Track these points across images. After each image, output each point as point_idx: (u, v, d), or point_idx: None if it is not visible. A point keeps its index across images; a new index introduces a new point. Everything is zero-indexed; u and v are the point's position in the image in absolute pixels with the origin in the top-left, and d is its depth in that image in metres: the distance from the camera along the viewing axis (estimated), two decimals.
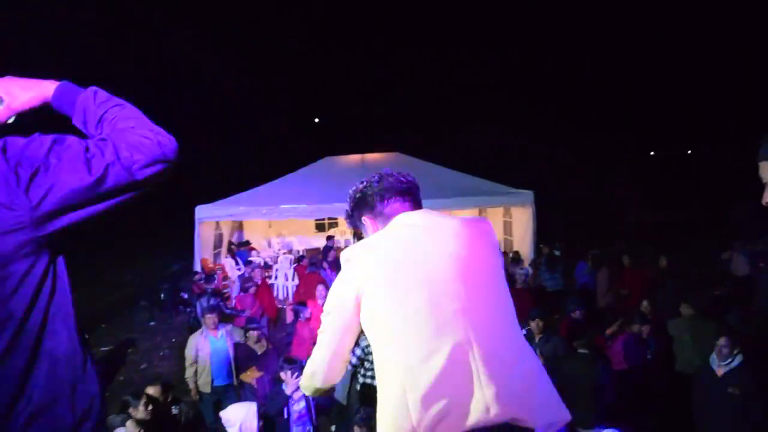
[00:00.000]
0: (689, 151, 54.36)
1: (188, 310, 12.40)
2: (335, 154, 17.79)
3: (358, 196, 2.17)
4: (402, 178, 2.14)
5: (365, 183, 2.16)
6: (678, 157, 51.48)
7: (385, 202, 2.09)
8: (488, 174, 15.25)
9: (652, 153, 56.24)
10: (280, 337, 9.89)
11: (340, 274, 1.92)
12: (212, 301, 9.01)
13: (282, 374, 5.78)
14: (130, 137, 1.44)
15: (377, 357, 1.80)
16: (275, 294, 13.49)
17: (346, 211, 2.23)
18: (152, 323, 12.49)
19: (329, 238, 15.42)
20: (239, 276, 12.59)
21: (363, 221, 2.17)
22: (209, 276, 11.81)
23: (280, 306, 12.19)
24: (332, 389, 2.01)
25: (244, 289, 10.13)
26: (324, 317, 1.93)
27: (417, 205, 2.13)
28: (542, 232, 13.74)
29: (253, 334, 7.14)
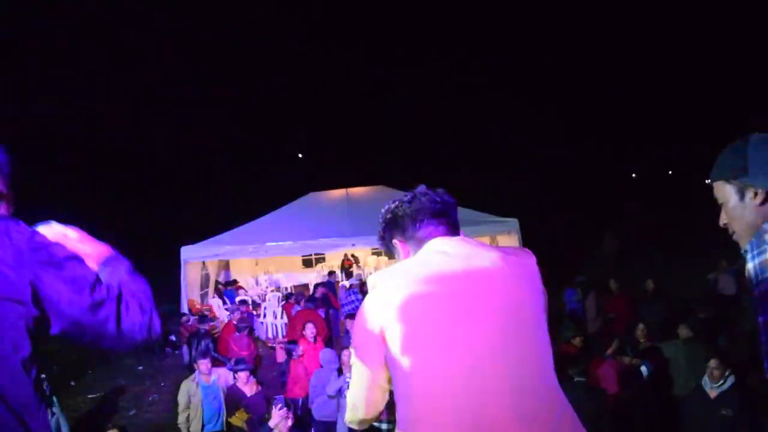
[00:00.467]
0: (669, 173, 55.04)
1: (176, 352, 12.27)
2: (319, 189, 17.81)
3: (388, 216, 2.01)
4: (437, 198, 1.97)
5: (397, 203, 2.01)
6: (660, 177, 52.09)
7: (418, 224, 1.93)
8: (473, 203, 15.32)
9: (633, 175, 56.83)
10: (272, 376, 9.79)
11: (365, 302, 1.77)
12: (203, 345, 8.94)
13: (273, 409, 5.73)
14: (134, 314, 1.57)
15: (397, 394, 1.68)
16: (264, 332, 13.40)
17: (378, 232, 2.07)
18: (140, 368, 12.31)
19: (331, 273, 15.29)
20: (229, 316, 12.49)
21: (394, 244, 2.02)
22: (202, 316, 11.71)
23: (270, 345, 12.09)
24: (380, 415, 1.86)
25: (238, 329, 9.99)
26: (353, 350, 1.80)
27: (454, 227, 1.96)
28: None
29: (242, 375, 7.07)
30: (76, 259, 1.50)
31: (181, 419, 6.99)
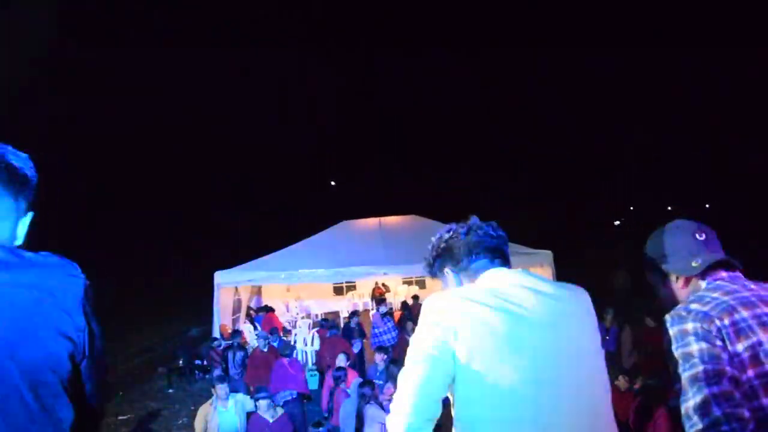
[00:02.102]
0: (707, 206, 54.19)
1: (206, 377, 12.34)
2: (351, 217, 17.90)
3: (442, 245, 2.05)
4: (492, 233, 2.00)
5: (452, 233, 2.04)
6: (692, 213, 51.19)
7: (474, 257, 1.95)
8: (506, 234, 15.24)
9: (669, 208, 56.01)
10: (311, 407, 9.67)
11: (432, 320, 1.72)
12: (220, 371, 8.94)
13: None
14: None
15: (462, 413, 1.69)
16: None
17: (426, 259, 2.12)
18: (171, 390, 12.40)
19: (381, 301, 15.23)
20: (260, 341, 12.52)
21: (445, 273, 2.04)
22: (235, 333, 11.81)
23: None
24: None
25: (285, 355, 9.80)
26: (414, 363, 1.68)
27: (506, 263, 1.98)
28: None
29: (263, 402, 7.05)
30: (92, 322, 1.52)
31: None
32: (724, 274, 1.93)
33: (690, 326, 1.76)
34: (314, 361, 12.77)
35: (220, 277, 13.57)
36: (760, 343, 1.68)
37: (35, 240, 1.52)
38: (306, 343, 13.87)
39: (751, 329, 1.71)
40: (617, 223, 55.55)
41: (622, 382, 7.70)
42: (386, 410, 6.93)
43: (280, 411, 7.23)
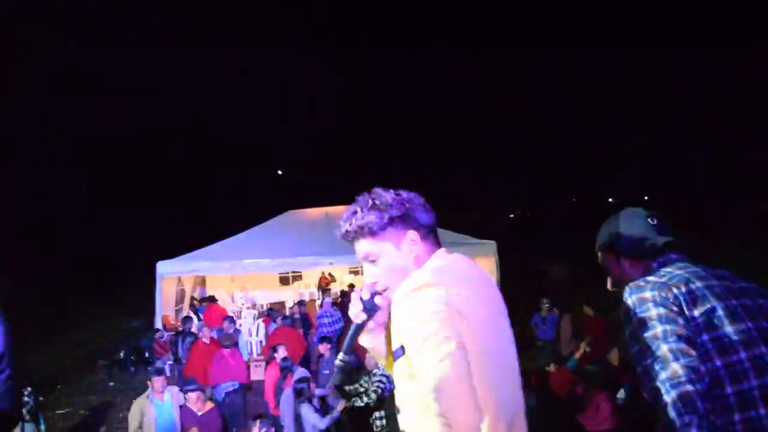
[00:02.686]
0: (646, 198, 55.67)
1: (148, 368, 12.12)
2: (298, 207, 17.78)
3: (408, 205, 1.82)
4: (429, 208, 1.89)
5: (404, 195, 1.86)
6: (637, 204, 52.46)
7: (430, 235, 1.85)
8: (451, 225, 15.38)
9: (610, 199, 57.39)
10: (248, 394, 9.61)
11: (434, 295, 1.59)
12: (159, 363, 8.83)
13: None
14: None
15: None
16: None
17: (376, 221, 1.79)
18: (111, 384, 12.14)
19: (327, 291, 15.20)
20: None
21: (406, 236, 1.80)
22: (186, 319, 11.63)
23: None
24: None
25: (226, 347, 9.70)
26: (440, 359, 1.52)
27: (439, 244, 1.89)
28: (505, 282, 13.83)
29: (192, 395, 6.97)
30: None
31: None
32: (673, 256, 2.07)
33: (648, 294, 1.89)
34: (259, 352, 12.71)
35: (162, 267, 13.31)
36: (714, 310, 1.82)
37: None
38: (251, 333, 13.76)
39: (705, 297, 1.84)
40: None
41: (553, 368, 7.84)
42: (317, 409, 6.93)
43: (209, 404, 7.16)
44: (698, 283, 1.88)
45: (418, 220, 1.83)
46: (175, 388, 7.33)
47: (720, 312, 1.81)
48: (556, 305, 11.65)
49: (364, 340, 1.82)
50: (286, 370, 8.19)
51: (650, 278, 1.96)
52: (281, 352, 8.74)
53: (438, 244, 1.88)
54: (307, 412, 6.79)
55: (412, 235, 1.81)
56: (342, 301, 13.96)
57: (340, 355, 1.80)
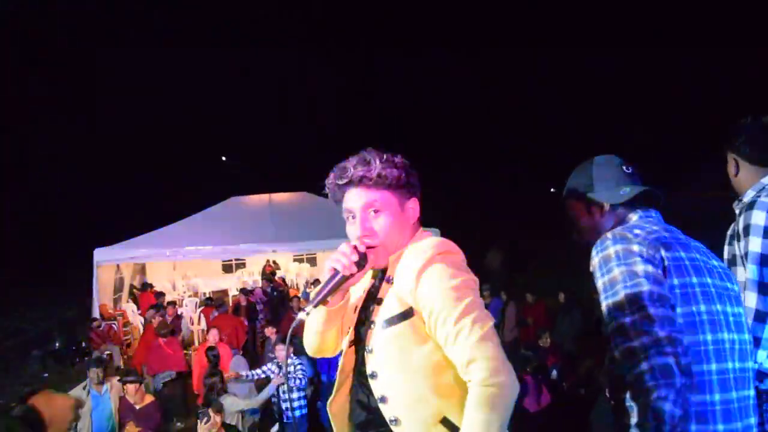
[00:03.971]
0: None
1: (86, 359, 11.78)
2: (242, 193, 17.52)
3: (416, 175, 1.87)
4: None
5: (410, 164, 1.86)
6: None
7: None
8: None
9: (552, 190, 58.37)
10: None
11: (464, 263, 1.74)
12: (96, 354, 8.59)
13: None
14: None
15: None
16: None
17: (405, 176, 1.81)
18: (46, 375, 11.75)
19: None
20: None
21: (411, 201, 1.84)
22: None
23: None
24: None
25: (162, 335, 9.46)
26: (481, 308, 1.64)
27: None
28: None
29: (130, 387, 6.77)
30: None
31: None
32: (654, 213, 1.97)
33: (636, 248, 1.75)
34: (201, 340, 12.49)
35: (100, 254, 12.93)
36: (691, 285, 1.73)
37: None
38: (193, 322, 13.53)
39: (686, 269, 1.75)
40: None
41: None
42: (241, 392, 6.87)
43: (149, 398, 6.98)
44: (682, 252, 1.79)
45: (420, 191, 1.87)
46: (115, 380, 7.11)
47: (696, 289, 1.73)
48: (497, 292, 11.78)
49: (335, 297, 1.80)
50: (215, 358, 8.05)
51: (638, 231, 1.82)
52: (212, 339, 8.56)
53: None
54: (230, 404, 6.68)
55: (414, 203, 1.84)
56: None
57: (309, 307, 1.73)
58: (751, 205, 2.27)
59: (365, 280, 1.89)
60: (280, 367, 7.09)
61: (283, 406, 7.07)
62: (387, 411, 1.69)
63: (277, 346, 7.52)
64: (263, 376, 7.42)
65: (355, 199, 1.78)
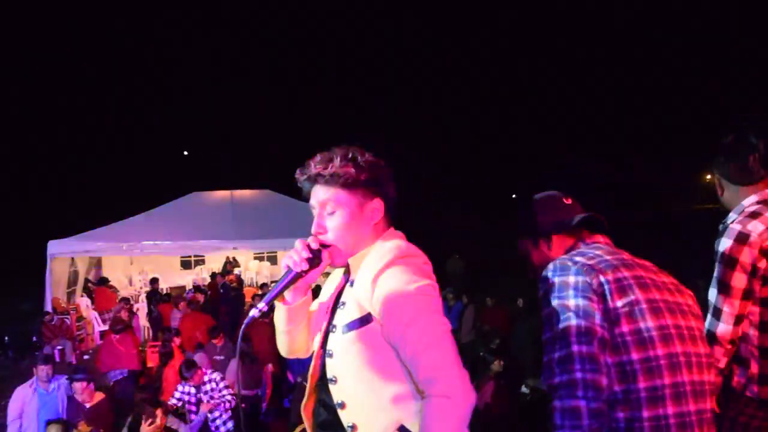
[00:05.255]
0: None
1: (36, 354, 11.48)
2: (204, 189, 17.27)
3: (384, 174, 1.82)
4: None
5: (382, 163, 1.83)
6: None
7: (390, 211, 1.87)
8: None
9: (513, 195, 59.09)
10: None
11: (424, 266, 1.70)
12: (47, 350, 8.35)
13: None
14: None
15: None
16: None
17: (364, 175, 1.75)
18: None
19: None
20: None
21: (372, 202, 1.79)
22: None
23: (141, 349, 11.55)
24: None
25: (116, 332, 9.18)
26: (440, 315, 1.61)
27: None
28: None
29: (78, 385, 6.50)
30: None
31: (11, 429, 6.40)
32: (601, 239, 2.03)
33: (572, 279, 1.81)
34: (156, 337, 12.28)
35: (53, 246, 12.63)
36: (637, 302, 1.77)
37: None
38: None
39: (630, 288, 1.79)
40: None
41: None
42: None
43: (99, 395, 6.74)
44: (625, 272, 1.82)
45: (387, 191, 1.81)
46: (63, 378, 6.91)
47: (643, 305, 1.76)
48: (460, 296, 11.82)
49: (288, 295, 1.80)
50: (165, 356, 7.88)
51: (578, 258, 1.88)
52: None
53: (392, 222, 1.86)
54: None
55: (378, 203, 1.78)
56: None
57: (261, 304, 1.70)
58: (724, 231, 2.35)
59: (337, 280, 1.89)
60: (198, 388, 6.66)
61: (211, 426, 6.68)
62: (344, 417, 1.66)
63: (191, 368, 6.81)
64: (179, 404, 6.67)
65: (314, 195, 1.79)
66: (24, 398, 6.43)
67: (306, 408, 1.85)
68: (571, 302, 1.77)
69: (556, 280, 1.83)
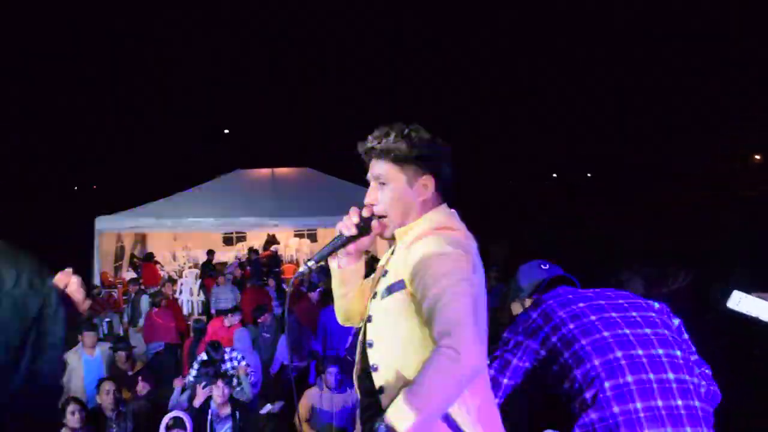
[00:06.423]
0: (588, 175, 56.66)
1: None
2: (245, 167, 17.46)
3: (439, 152, 1.84)
4: None
5: (439, 141, 1.85)
6: (578, 179, 53.53)
7: (442, 190, 1.87)
8: None
9: (554, 175, 58.30)
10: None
11: (462, 238, 1.72)
12: (95, 320, 8.59)
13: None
14: None
15: None
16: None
17: (416, 151, 1.78)
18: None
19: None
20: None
21: (422, 178, 1.81)
22: None
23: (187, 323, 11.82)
24: None
25: (155, 304, 9.24)
26: (467, 282, 1.59)
27: None
28: None
29: (120, 354, 6.81)
30: None
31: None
32: (560, 289, 2.36)
33: (534, 314, 2.25)
34: (200, 311, 12.55)
35: (101, 222, 12.97)
36: (602, 338, 2.06)
37: None
38: (192, 293, 13.58)
39: (595, 328, 2.10)
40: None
41: None
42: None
43: (139, 366, 7.04)
44: (592, 316, 2.14)
45: (440, 169, 1.85)
46: (107, 345, 7.17)
47: (610, 340, 2.05)
48: (503, 278, 11.80)
49: (341, 260, 1.89)
50: (198, 332, 7.96)
51: (547, 301, 2.29)
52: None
53: (445, 201, 1.89)
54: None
55: (429, 180, 1.82)
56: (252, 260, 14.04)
57: (310, 262, 1.80)
58: None
59: (385, 255, 1.95)
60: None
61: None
62: (376, 380, 1.73)
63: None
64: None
65: (370, 168, 1.86)
66: (70, 363, 6.67)
67: (355, 374, 1.92)
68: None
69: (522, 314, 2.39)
